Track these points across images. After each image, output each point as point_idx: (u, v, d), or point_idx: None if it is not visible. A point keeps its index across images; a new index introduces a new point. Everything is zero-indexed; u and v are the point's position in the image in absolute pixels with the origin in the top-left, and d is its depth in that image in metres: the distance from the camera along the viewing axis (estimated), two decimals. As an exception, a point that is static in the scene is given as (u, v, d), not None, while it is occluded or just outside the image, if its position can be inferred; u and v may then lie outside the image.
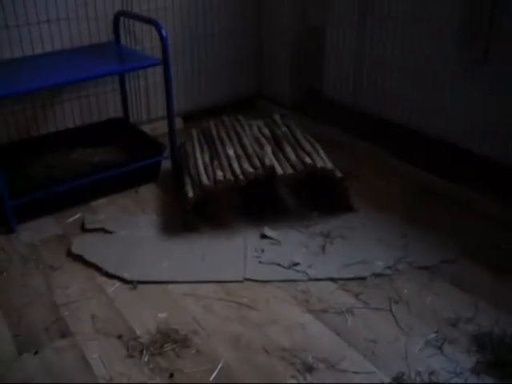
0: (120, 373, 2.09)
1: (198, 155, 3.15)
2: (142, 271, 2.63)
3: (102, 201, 3.24)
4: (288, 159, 2.95)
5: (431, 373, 2.05)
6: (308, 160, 2.91)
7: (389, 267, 2.61)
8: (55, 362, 2.15)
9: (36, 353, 2.19)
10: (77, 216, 3.09)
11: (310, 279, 2.56)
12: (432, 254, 2.69)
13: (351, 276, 2.57)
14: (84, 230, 2.96)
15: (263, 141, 3.14)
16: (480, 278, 2.54)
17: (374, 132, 3.66)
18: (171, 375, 2.08)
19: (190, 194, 2.88)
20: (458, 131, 3.07)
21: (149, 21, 3.34)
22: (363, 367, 2.09)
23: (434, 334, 2.23)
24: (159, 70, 3.38)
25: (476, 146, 3.01)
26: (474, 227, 2.89)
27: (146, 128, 3.88)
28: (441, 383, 2.01)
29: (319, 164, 2.90)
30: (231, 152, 3.06)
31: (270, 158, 2.93)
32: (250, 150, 3.03)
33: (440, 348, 2.17)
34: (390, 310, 2.37)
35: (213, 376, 2.08)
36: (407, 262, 2.64)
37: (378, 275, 2.57)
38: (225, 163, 2.97)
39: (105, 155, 3.52)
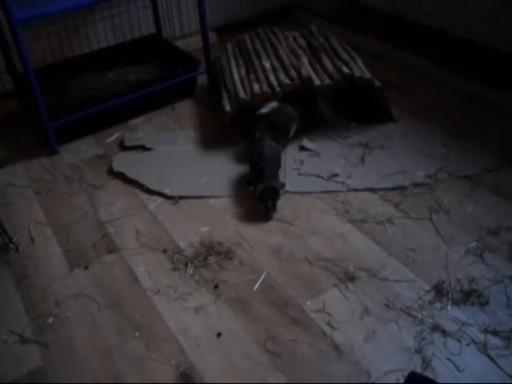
0: (166, 285, 2.17)
1: (234, 69, 3.11)
2: (183, 186, 2.68)
3: (140, 119, 3.26)
4: (325, 69, 2.89)
5: (471, 280, 2.07)
6: (345, 69, 2.85)
7: (429, 176, 2.59)
8: (105, 276, 2.24)
9: (86, 268, 2.29)
10: (116, 135, 3.12)
11: (350, 190, 2.57)
12: (473, 163, 2.65)
13: (391, 186, 2.56)
14: (123, 148, 2.99)
15: (299, 52, 3.07)
16: (522, 186, 2.51)
17: (413, 40, 3.53)
18: (216, 286, 2.15)
19: (228, 108, 2.87)
20: (504, 36, 2.94)
21: None
22: (404, 275, 2.12)
23: (475, 243, 2.23)
24: (190, -18, 3.30)
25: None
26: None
27: (180, 43, 3.83)
28: (480, 290, 2.03)
29: (357, 73, 2.83)
30: (267, 64, 3.01)
31: (306, 69, 2.88)
32: (287, 62, 2.98)
33: (480, 256, 2.17)
34: (431, 220, 2.37)
35: (256, 286, 2.14)
36: (448, 171, 2.61)
37: (417, 185, 2.55)
38: (261, 76, 2.94)
39: (140, 73, 3.50)
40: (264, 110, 2.78)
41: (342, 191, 2.57)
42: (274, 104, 2.81)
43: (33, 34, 3.36)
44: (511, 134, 2.82)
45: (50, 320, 2.07)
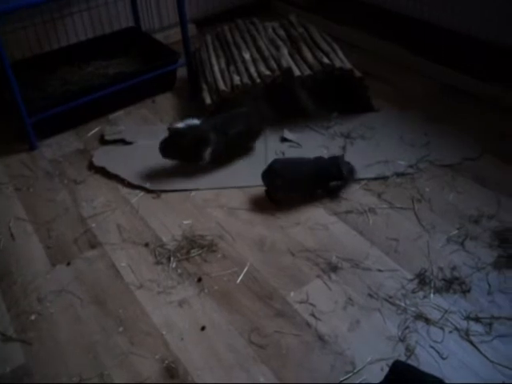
0: (149, 279, 2.16)
1: (214, 61, 3.10)
2: (164, 180, 2.66)
3: (120, 113, 3.23)
4: (305, 60, 2.88)
5: (453, 268, 2.09)
6: (326, 60, 2.84)
7: (411, 166, 2.60)
8: (87, 272, 2.23)
9: (68, 264, 2.27)
10: (96, 129, 3.09)
11: (332, 181, 2.57)
12: (454, 152, 2.67)
13: (373, 176, 2.57)
14: (104, 142, 2.97)
15: (279, 42, 3.06)
16: (502, 175, 2.52)
17: (393, 29, 3.53)
18: (199, 279, 2.14)
19: (208, 100, 2.86)
20: (487, 25, 2.94)
21: None
22: (386, 265, 2.13)
23: (456, 231, 2.25)
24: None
25: (504, 40, 2.88)
26: (497, 125, 2.83)
27: (159, 36, 3.80)
28: (462, 278, 2.04)
29: (337, 64, 2.83)
30: (247, 56, 2.99)
31: (286, 60, 2.87)
32: (267, 53, 2.96)
33: (462, 244, 2.19)
34: (413, 209, 2.38)
35: (240, 278, 2.14)
36: (429, 160, 2.63)
37: (399, 174, 2.56)
38: (241, 67, 2.92)
39: (120, 66, 3.48)
40: (179, 125, 2.62)
41: (324, 182, 2.57)
42: (195, 121, 2.64)
43: (9, 27, 3.31)
44: (491, 122, 2.84)
45: (33, 317, 2.05)
